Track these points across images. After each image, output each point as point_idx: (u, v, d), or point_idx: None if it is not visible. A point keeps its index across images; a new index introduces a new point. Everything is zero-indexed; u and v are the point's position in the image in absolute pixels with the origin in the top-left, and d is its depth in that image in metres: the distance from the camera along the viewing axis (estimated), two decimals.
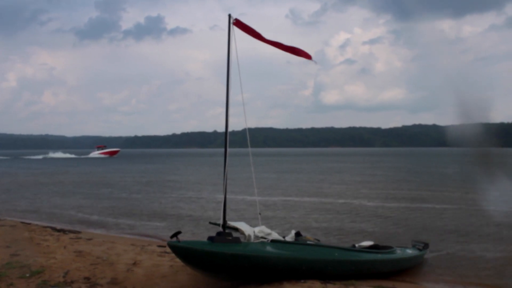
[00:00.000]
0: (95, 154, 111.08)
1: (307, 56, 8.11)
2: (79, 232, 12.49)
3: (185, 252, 6.54)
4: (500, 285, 8.56)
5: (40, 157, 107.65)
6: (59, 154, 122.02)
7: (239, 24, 7.62)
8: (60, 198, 23.40)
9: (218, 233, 6.96)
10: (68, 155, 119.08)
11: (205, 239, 6.94)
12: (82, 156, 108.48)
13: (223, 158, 7.32)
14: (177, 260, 7.42)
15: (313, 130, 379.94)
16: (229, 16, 7.51)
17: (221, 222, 7.30)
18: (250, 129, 8.58)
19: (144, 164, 68.59)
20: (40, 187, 29.89)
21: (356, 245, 9.07)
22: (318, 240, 8.49)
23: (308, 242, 7.90)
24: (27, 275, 7.37)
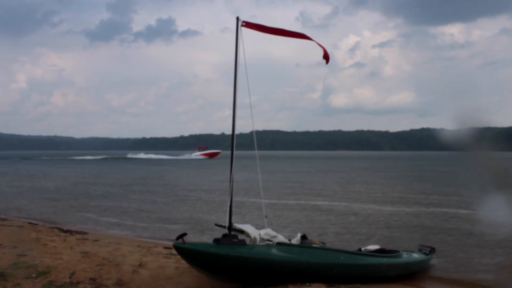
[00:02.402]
0: (197, 155, 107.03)
1: (325, 54, 7.94)
2: (85, 233, 12.55)
3: (190, 254, 6.56)
4: None
5: (99, 157, 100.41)
6: (152, 155, 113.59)
7: (249, 25, 7.62)
8: None
9: (224, 235, 6.96)
10: (165, 157, 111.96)
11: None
12: (180, 157, 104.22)
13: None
14: (183, 261, 7.44)
15: (320, 133, 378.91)
16: (237, 18, 7.52)
17: (227, 224, 7.30)
18: (257, 132, 8.57)
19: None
20: None
21: (362, 248, 9.03)
22: (324, 244, 8.44)
23: (314, 245, 7.86)
24: (34, 275, 7.42)
